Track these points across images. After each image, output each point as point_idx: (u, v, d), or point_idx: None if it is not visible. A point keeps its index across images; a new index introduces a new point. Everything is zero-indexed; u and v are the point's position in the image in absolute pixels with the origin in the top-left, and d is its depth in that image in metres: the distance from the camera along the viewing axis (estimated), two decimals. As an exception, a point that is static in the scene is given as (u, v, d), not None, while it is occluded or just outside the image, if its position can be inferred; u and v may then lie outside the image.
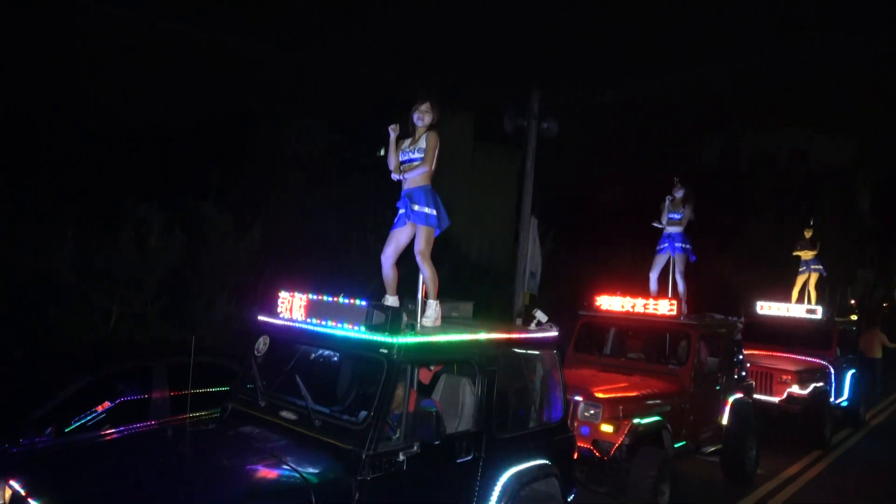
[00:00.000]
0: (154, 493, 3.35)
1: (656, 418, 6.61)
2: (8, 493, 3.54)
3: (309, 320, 4.43)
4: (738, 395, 8.10)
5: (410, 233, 4.90)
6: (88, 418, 5.03)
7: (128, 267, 8.43)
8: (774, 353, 10.63)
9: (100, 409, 5.13)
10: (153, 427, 5.02)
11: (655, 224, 8.84)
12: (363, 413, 3.99)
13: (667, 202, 8.78)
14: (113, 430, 4.96)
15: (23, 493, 3.35)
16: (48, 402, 4.86)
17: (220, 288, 10.18)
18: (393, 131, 4.94)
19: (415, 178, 4.83)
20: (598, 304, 8.28)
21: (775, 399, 9.68)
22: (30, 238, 8.28)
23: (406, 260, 5.08)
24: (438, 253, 4.90)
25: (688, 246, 8.73)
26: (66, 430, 4.87)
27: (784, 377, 9.74)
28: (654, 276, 8.77)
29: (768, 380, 9.79)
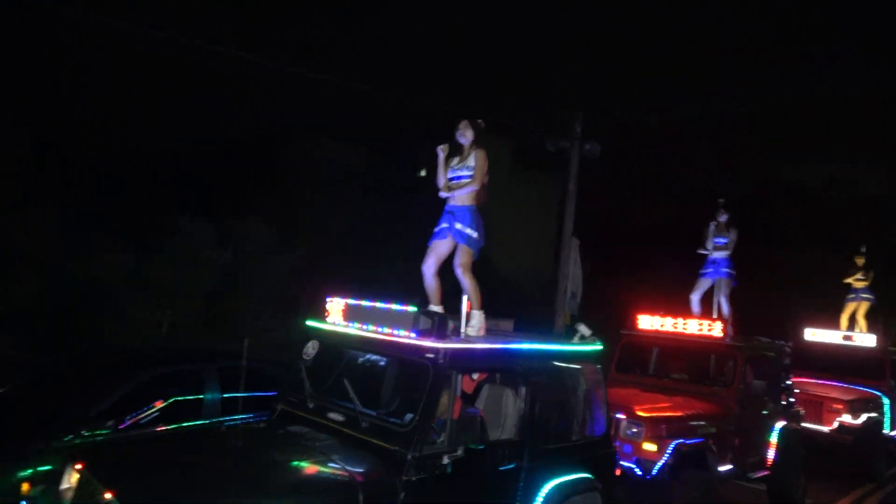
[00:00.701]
0: (210, 479, 3.47)
1: (700, 439, 6.50)
2: (75, 476, 3.71)
3: (357, 325, 4.55)
4: (786, 422, 7.89)
5: (451, 245, 5.05)
6: (143, 415, 5.22)
7: (178, 278, 8.73)
8: (824, 382, 10.33)
9: (153, 408, 5.32)
10: (206, 425, 5.17)
11: (701, 251, 8.80)
12: (409, 416, 4.06)
13: (711, 227, 8.74)
14: (168, 427, 5.13)
15: (89, 474, 3.51)
16: (107, 399, 5.06)
17: (264, 300, 10.45)
18: (442, 151, 5.12)
19: (461, 197, 4.99)
20: (639, 323, 8.22)
21: (825, 428, 9.40)
22: (86, 250, 8.67)
23: (446, 275, 5.18)
24: (477, 274, 5.03)
25: (733, 272, 8.67)
26: (121, 427, 5.06)
27: (835, 406, 9.46)
28: (695, 298, 8.69)
29: (818, 408, 9.51)
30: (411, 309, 4.28)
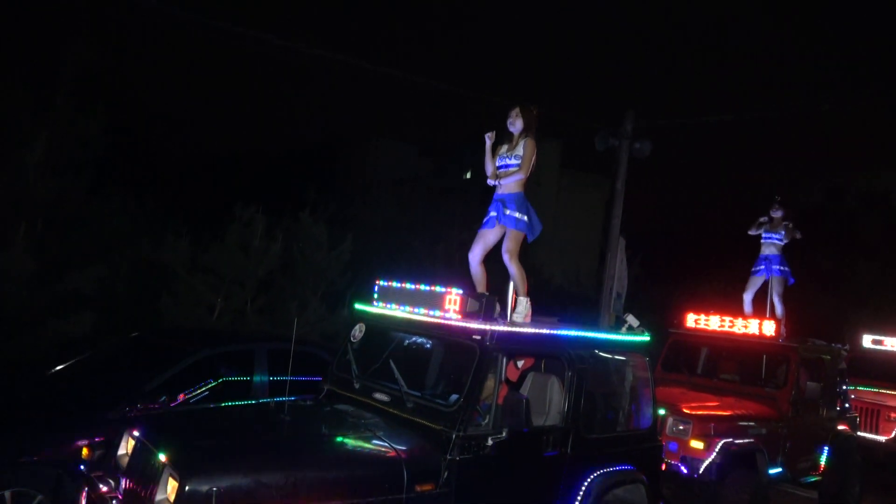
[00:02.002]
0: (259, 447, 3.58)
1: (750, 440, 6.34)
2: (131, 442, 3.87)
3: (405, 308, 4.61)
4: (842, 427, 7.62)
5: (499, 234, 5.04)
6: (192, 395, 5.40)
7: (232, 265, 8.98)
8: (882, 390, 9.93)
9: (204, 385, 5.49)
10: (255, 402, 5.31)
11: (751, 232, 8.55)
12: (454, 396, 4.09)
13: (765, 220, 8.50)
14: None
15: (145, 440, 3.65)
16: (161, 375, 5.26)
17: (312, 292, 10.65)
18: (489, 139, 5.13)
19: (509, 185, 4.99)
20: (688, 321, 8.06)
21: (882, 438, 9.04)
22: (150, 235, 9.02)
23: (492, 265, 5.19)
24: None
25: (786, 268, 8.39)
26: (172, 405, 5.25)
27: (893, 415, 9.09)
28: (748, 298, 8.48)
29: (875, 417, 9.17)
30: (458, 291, 4.31)
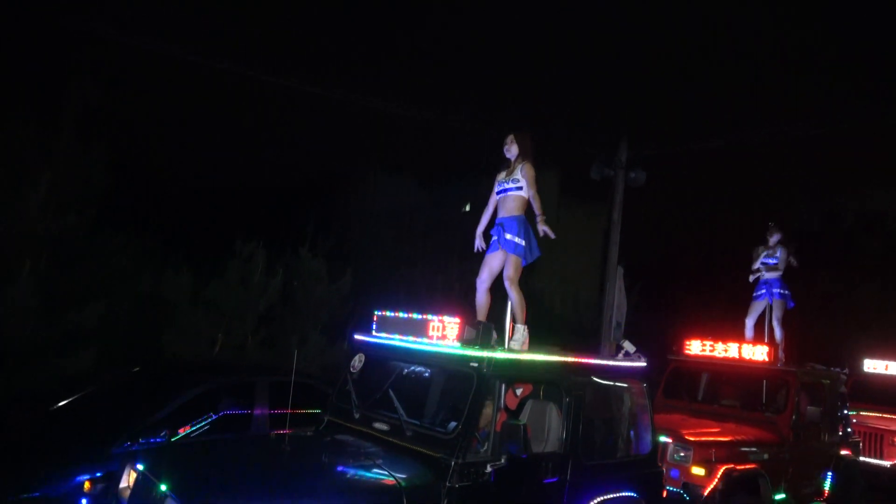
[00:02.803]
0: (259, 478, 3.60)
1: (752, 466, 6.32)
2: (132, 475, 3.89)
3: (403, 337, 4.67)
4: (844, 452, 7.60)
5: (503, 259, 5.11)
6: (194, 429, 5.42)
7: (233, 300, 9.05)
8: (884, 415, 9.89)
9: (205, 419, 5.52)
10: (257, 434, 5.33)
11: (752, 277, 8.62)
12: (453, 424, 4.13)
13: (760, 249, 8.59)
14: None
15: (146, 472, 3.68)
16: (163, 410, 5.29)
17: (312, 326, 10.70)
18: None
19: (509, 208, 5.08)
20: (688, 348, 8.09)
21: (887, 463, 8.98)
22: (151, 269, 9.11)
23: (493, 292, 5.27)
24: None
25: (786, 292, 8.45)
26: (173, 440, 5.27)
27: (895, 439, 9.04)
28: (750, 323, 8.52)
29: (878, 441, 9.11)
30: (456, 319, 4.38)
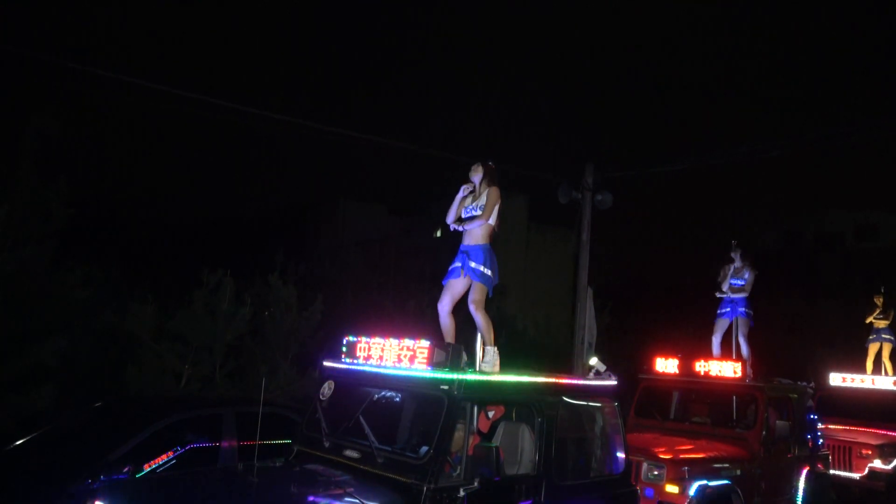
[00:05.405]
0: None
1: (725, 481, 6.35)
2: (93, 512, 3.74)
3: (372, 363, 4.62)
4: (815, 465, 7.68)
5: (466, 284, 5.14)
6: (160, 464, 5.26)
7: (200, 331, 8.85)
8: (852, 427, 10.05)
9: (170, 454, 5.36)
10: (224, 467, 5.19)
11: (718, 294, 8.78)
12: (424, 448, 4.07)
13: (728, 269, 8.76)
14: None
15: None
16: (125, 444, 5.13)
17: (282, 356, 10.51)
18: (464, 190, 5.28)
19: (474, 236, 5.12)
20: (657, 366, 8.15)
21: (856, 475, 9.10)
22: (113, 303, 8.89)
23: (460, 315, 5.27)
24: (495, 331, 5.12)
25: (750, 311, 8.62)
26: (138, 476, 5.10)
27: (864, 451, 9.18)
28: (716, 340, 8.64)
29: (847, 454, 9.24)
30: (425, 342, 4.35)
